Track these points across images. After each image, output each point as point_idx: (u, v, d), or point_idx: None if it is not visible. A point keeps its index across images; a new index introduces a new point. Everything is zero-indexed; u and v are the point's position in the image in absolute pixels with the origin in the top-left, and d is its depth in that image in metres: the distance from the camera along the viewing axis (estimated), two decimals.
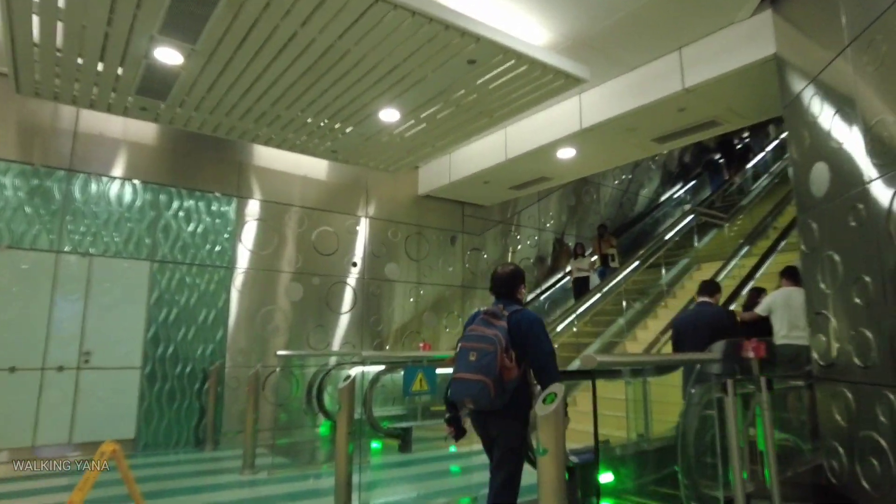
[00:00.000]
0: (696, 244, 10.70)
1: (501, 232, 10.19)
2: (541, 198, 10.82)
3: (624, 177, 12.52)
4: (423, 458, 6.11)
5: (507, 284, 3.12)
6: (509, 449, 2.93)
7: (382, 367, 6.83)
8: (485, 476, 5.28)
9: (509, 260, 10.13)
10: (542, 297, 10.43)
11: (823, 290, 4.02)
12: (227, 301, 7.16)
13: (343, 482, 3.90)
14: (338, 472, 3.91)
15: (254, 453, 5.38)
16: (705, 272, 9.95)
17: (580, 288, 9.96)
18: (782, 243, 7.78)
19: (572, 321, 8.73)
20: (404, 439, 6.50)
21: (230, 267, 7.24)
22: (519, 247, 10.38)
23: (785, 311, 5.17)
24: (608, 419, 7.12)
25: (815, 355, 4.15)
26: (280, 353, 5.93)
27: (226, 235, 7.27)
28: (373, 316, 8.32)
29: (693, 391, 3.42)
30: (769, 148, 14.43)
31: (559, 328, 8.60)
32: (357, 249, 8.35)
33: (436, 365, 4.22)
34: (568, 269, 10.74)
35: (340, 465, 3.91)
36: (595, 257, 10.49)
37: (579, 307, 8.98)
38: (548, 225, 10.92)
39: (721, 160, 13.83)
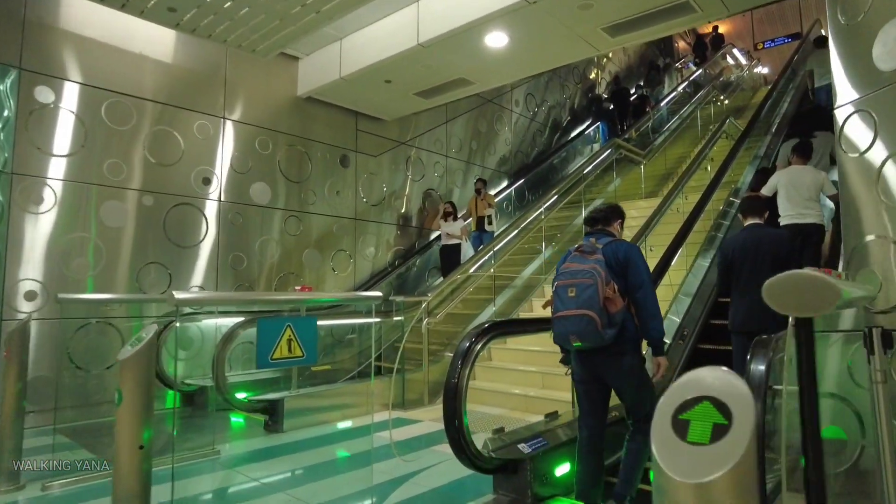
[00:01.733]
0: (615, 180, 9.78)
1: (402, 155, 8.45)
2: (448, 119, 9.18)
3: (537, 108, 11.25)
4: (300, 441, 4.42)
5: (604, 212, 3.00)
6: (633, 387, 2.77)
7: (241, 320, 5.01)
8: (400, 467, 3.72)
9: (407, 190, 8.47)
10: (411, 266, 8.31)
11: (885, 203, 2.81)
12: (5, 223, 4.85)
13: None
14: (116, 489, 2.16)
15: (18, 453, 3.38)
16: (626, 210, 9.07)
17: (449, 258, 7.86)
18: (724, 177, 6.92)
19: (489, 259, 7.32)
20: (272, 415, 4.78)
21: (8, 172, 4.89)
22: (422, 176, 8.72)
23: (789, 189, 4.76)
24: (517, 375, 5.84)
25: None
26: (63, 296, 3.87)
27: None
28: (233, 252, 6.32)
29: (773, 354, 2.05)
30: (670, 97, 13.80)
31: (471, 271, 7.15)
32: (213, 162, 6.23)
33: (318, 312, 2.50)
34: (437, 233, 8.47)
35: (122, 478, 2.15)
36: (469, 220, 8.27)
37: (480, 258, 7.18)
38: (455, 152, 9.34)
39: (613, 110, 12.90)
